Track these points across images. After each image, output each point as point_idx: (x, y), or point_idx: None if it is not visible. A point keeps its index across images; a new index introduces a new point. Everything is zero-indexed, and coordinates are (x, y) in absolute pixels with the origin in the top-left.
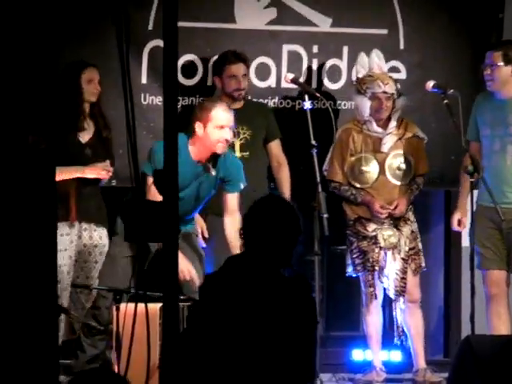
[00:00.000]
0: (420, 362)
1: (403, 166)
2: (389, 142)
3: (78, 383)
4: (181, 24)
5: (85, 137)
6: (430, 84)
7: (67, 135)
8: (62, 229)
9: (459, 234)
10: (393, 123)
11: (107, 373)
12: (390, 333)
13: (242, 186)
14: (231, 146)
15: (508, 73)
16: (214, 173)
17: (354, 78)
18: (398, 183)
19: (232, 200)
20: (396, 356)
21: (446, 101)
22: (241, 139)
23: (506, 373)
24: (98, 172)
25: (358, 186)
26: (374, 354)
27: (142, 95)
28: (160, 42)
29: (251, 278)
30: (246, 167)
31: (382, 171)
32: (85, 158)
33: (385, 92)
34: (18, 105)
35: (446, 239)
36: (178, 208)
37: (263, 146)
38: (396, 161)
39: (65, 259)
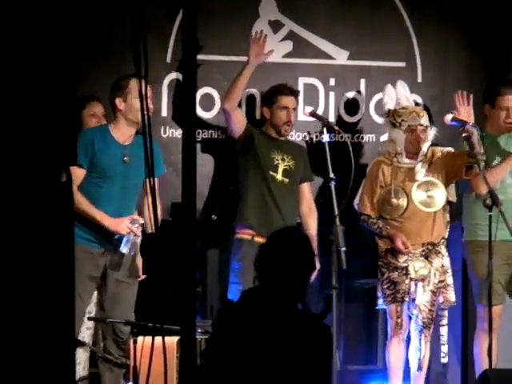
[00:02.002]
0: None
1: (433, 193)
2: (422, 170)
3: None
4: (198, 57)
5: None
6: (449, 117)
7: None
8: None
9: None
10: (422, 152)
11: None
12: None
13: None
14: (275, 168)
15: None
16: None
17: (372, 110)
18: (427, 210)
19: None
20: None
21: (464, 134)
22: (285, 165)
23: None
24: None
25: (387, 217)
26: None
27: (163, 128)
28: (179, 75)
29: (266, 312)
30: (284, 192)
31: (411, 202)
32: None
33: (421, 124)
34: (38, 137)
35: (463, 272)
36: (195, 246)
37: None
38: (423, 189)
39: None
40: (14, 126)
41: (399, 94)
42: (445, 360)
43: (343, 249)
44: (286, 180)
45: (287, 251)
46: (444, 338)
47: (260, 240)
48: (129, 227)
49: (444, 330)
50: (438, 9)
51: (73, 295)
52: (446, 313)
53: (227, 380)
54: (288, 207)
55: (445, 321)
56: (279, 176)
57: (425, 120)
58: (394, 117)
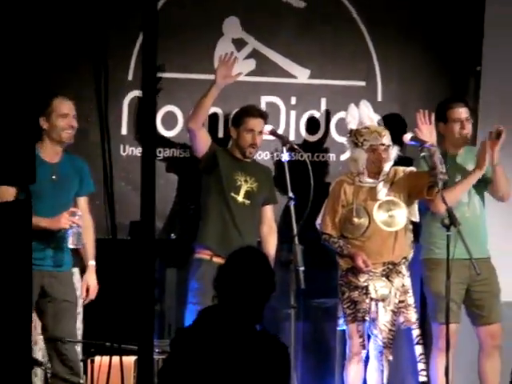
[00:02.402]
0: None
1: (394, 213)
2: (383, 189)
3: None
4: (160, 75)
5: None
6: (408, 136)
7: None
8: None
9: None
10: (384, 172)
11: None
12: None
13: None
14: (237, 189)
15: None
16: None
17: (332, 129)
18: (389, 229)
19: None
20: None
21: (423, 153)
22: (248, 187)
23: None
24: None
25: (349, 236)
26: None
27: (122, 146)
28: (139, 93)
29: (224, 331)
30: (245, 213)
31: (372, 221)
32: None
33: (382, 144)
34: None
35: (420, 291)
36: (154, 264)
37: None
38: (385, 208)
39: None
40: None
41: (362, 114)
42: (423, 378)
43: (302, 268)
44: (247, 202)
45: (246, 271)
46: (422, 356)
47: (219, 260)
48: (70, 219)
49: (420, 349)
50: (399, 28)
51: (30, 315)
52: (418, 331)
53: None
54: (247, 228)
55: (420, 340)
56: (240, 198)
57: (386, 139)
58: (356, 136)
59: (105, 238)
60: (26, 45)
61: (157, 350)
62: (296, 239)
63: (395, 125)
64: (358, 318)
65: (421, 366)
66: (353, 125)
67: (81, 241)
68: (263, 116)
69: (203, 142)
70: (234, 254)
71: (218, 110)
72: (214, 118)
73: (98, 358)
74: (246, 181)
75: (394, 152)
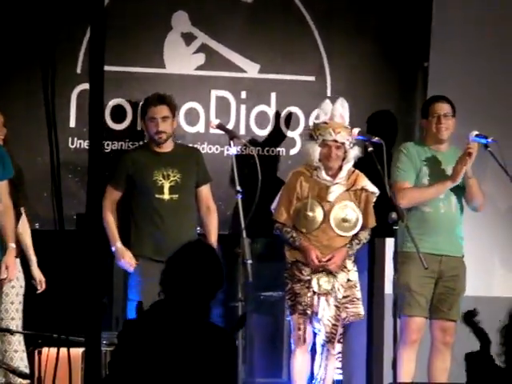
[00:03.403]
0: None
1: (349, 218)
2: (335, 191)
3: None
4: (109, 68)
5: None
6: (356, 131)
7: None
8: None
9: (382, 280)
10: (343, 173)
11: None
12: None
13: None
14: (160, 189)
15: (453, 125)
16: None
17: (311, 123)
18: (342, 234)
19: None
20: None
21: (370, 148)
22: (170, 181)
23: None
24: None
25: (302, 230)
26: None
27: (70, 139)
28: (88, 86)
29: (171, 324)
30: (174, 210)
31: (326, 219)
32: None
33: (335, 140)
34: None
35: (369, 286)
36: (100, 257)
37: (193, 189)
38: (342, 212)
39: None
40: None
41: (335, 111)
42: (339, 377)
43: (249, 261)
44: (175, 196)
45: (194, 266)
46: (339, 354)
47: (157, 258)
48: None
49: (339, 347)
50: (348, 24)
51: None
52: (341, 329)
53: None
54: (182, 222)
55: (341, 338)
56: (166, 196)
57: (341, 137)
58: (314, 130)
59: (52, 229)
60: None
61: (104, 342)
62: (244, 232)
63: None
64: (299, 310)
65: (337, 364)
66: (321, 119)
67: None
68: (165, 101)
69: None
70: (183, 248)
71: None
72: None
73: (45, 350)
74: (167, 176)
75: (353, 153)
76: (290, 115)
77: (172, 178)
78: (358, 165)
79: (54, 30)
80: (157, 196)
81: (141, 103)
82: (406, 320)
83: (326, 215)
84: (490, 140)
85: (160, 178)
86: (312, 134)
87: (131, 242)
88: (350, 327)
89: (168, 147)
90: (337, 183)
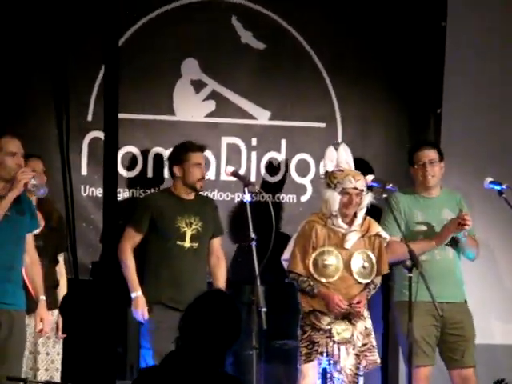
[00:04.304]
0: None
1: (367, 265)
2: (352, 238)
3: None
4: (120, 116)
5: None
6: (370, 178)
7: None
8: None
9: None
10: (358, 220)
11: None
12: None
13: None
14: (182, 236)
15: (441, 170)
16: None
17: (322, 172)
18: (362, 281)
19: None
20: None
21: (384, 195)
22: (192, 229)
23: None
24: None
25: (321, 279)
26: None
27: (82, 187)
28: (99, 133)
29: (185, 373)
30: (193, 258)
31: (346, 267)
32: (37, 248)
33: (355, 188)
34: None
35: (384, 333)
36: (116, 306)
37: (209, 239)
38: (360, 259)
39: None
40: None
41: (340, 157)
42: None
43: (264, 309)
44: (195, 245)
45: (214, 316)
46: None
47: (173, 306)
48: (25, 171)
49: None
50: (359, 70)
51: None
52: (361, 378)
53: None
54: (198, 271)
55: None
56: (187, 243)
57: (361, 184)
58: (330, 178)
59: (68, 277)
60: None
61: None
62: (258, 280)
63: (355, 166)
64: (316, 358)
65: None
66: (329, 167)
67: (44, 186)
68: (203, 149)
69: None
70: (201, 297)
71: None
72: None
73: None
74: (190, 224)
75: (368, 199)
76: (300, 162)
77: (194, 226)
78: (372, 212)
79: (65, 79)
80: (178, 243)
81: (152, 151)
82: (414, 370)
83: (347, 263)
84: (504, 186)
85: (183, 225)
86: (329, 182)
87: (146, 287)
88: (365, 375)
89: (192, 195)
90: (353, 230)
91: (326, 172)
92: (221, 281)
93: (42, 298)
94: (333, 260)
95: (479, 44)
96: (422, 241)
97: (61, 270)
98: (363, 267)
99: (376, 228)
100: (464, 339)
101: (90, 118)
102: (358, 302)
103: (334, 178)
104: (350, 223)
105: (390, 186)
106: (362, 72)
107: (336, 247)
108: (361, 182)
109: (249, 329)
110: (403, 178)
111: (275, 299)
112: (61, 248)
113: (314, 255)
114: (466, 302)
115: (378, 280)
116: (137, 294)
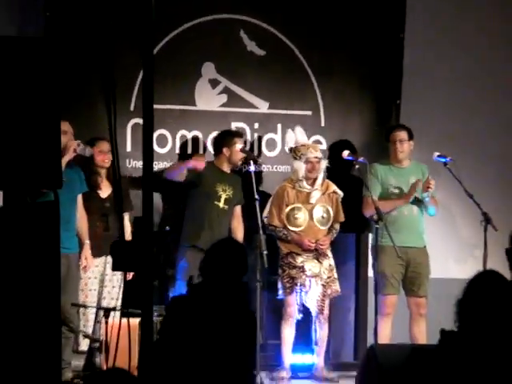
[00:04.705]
0: (320, 362)
1: (325, 215)
2: (315, 195)
3: (93, 382)
4: (155, 106)
5: (104, 193)
6: (345, 153)
7: (90, 192)
8: (95, 262)
9: (366, 267)
10: (319, 181)
11: (122, 373)
12: (302, 342)
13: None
14: (219, 198)
15: (410, 147)
16: None
17: (286, 149)
18: (322, 228)
19: None
20: (306, 359)
21: (357, 166)
22: (226, 195)
23: (403, 377)
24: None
25: (292, 229)
26: (285, 357)
27: (127, 160)
28: (139, 120)
29: (207, 300)
30: (223, 216)
31: (310, 218)
32: (105, 209)
33: (316, 157)
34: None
35: (356, 271)
36: (153, 250)
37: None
38: (320, 210)
39: (94, 285)
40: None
41: (297, 137)
42: None
43: (265, 252)
44: (226, 207)
45: (226, 257)
46: None
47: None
48: (72, 144)
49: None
50: (338, 70)
51: (58, 292)
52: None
53: (177, 351)
54: (224, 226)
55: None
56: (221, 204)
57: (319, 154)
58: (295, 152)
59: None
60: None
61: (155, 314)
62: (260, 230)
63: (335, 145)
64: (296, 290)
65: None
66: (290, 145)
67: (88, 148)
68: (243, 136)
69: (177, 179)
70: (217, 244)
71: (199, 134)
72: (196, 139)
73: (111, 320)
74: (224, 190)
75: (324, 164)
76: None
77: (227, 193)
78: (347, 179)
79: (113, 78)
80: (215, 202)
81: (180, 132)
82: (382, 298)
83: (310, 215)
84: (448, 159)
85: (220, 190)
86: (294, 155)
87: (185, 233)
88: (341, 303)
89: (229, 169)
90: (316, 189)
91: (291, 148)
92: (239, 236)
93: (87, 242)
94: (301, 214)
95: (434, 49)
96: (395, 199)
97: (126, 225)
98: (322, 217)
99: (333, 187)
100: (421, 275)
101: (132, 108)
102: (322, 242)
103: (299, 151)
104: (313, 184)
105: (361, 159)
106: (341, 72)
107: (303, 203)
108: (319, 152)
109: (254, 267)
110: (372, 152)
111: (272, 244)
112: (126, 208)
113: (286, 211)
114: (425, 247)
115: (337, 226)
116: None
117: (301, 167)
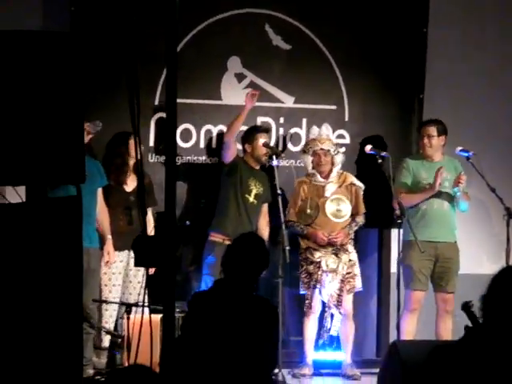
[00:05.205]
0: (347, 358)
1: (341, 208)
2: (330, 188)
3: (115, 379)
4: (179, 100)
5: (129, 187)
6: (368, 147)
7: (115, 187)
8: (119, 256)
9: (388, 261)
10: (333, 174)
11: (144, 370)
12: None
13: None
14: (250, 192)
15: (440, 142)
16: None
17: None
18: (337, 221)
19: None
20: (329, 355)
21: (380, 161)
22: (257, 190)
23: (425, 373)
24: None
25: (309, 222)
26: (307, 353)
27: (149, 155)
28: (163, 114)
29: (228, 296)
30: (252, 210)
31: (323, 212)
32: (128, 202)
33: (322, 149)
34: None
35: (378, 266)
36: (175, 245)
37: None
38: (334, 204)
39: (118, 280)
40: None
41: (322, 134)
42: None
43: (287, 247)
44: (255, 202)
45: (247, 251)
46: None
47: (228, 243)
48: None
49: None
50: (362, 65)
51: (80, 288)
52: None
53: (199, 348)
54: (253, 220)
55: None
56: (251, 198)
57: (326, 145)
58: (305, 146)
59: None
60: (82, 75)
61: (177, 310)
62: (283, 225)
63: (358, 139)
64: (312, 285)
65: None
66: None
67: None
68: (268, 131)
69: (232, 153)
70: (239, 239)
71: (224, 128)
72: (221, 134)
73: (133, 316)
74: (255, 186)
75: (339, 158)
76: None
77: (258, 189)
78: (369, 172)
79: (137, 72)
80: (246, 196)
81: (204, 127)
82: (409, 293)
83: (322, 209)
84: (471, 153)
85: (252, 185)
86: (304, 149)
87: (218, 220)
88: (363, 299)
89: (258, 166)
90: (330, 182)
91: (305, 143)
92: (265, 235)
93: (109, 237)
94: (313, 208)
95: (458, 44)
96: (422, 191)
97: (149, 219)
98: (337, 210)
99: (351, 179)
100: (450, 271)
101: (156, 102)
102: (336, 235)
103: (307, 144)
104: (327, 177)
105: (384, 154)
106: (364, 67)
107: (318, 197)
108: (326, 144)
109: (277, 262)
110: (394, 146)
111: (295, 239)
112: (149, 203)
113: (300, 206)
114: (455, 242)
115: (360, 219)
116: None
117: (308, 160)
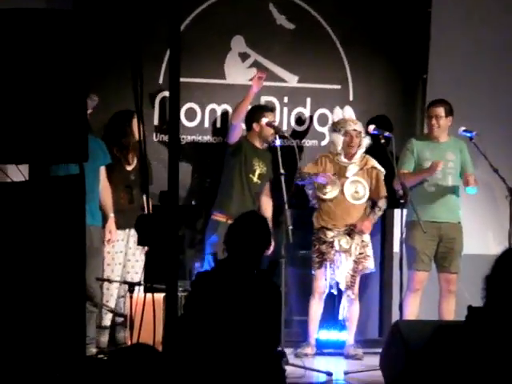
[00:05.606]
0: (350, 339)
1: (359, 190)
2: (352, 169)
3: (118, 357)
4: (184, 79)
5: (130, 166)
6: (371, 127)
7: (116, 165)
8: (120, 235)
9: (391, 242)
10: (357, 156)
11: (147, 348)
12: (329, 318)
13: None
14: (254, 172)
15: (447, 123)
16: None
17: (329, 124)
18: (354, 202)
19: None
20: (332, 335)
21: (382, 140)
22: (261, 170)
23: (428, 353)
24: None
25: (323, 197)
26: (311, 333)
27: (154, 134)
28: (167, 93)
29: (231, 275)
30: (256, 189)
31: (341, 191)
32: (129, 181)
33: (355, 130)
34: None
35: (381, 246)
36: (178, 224)
37: None
38: (353, 185)
39: (119, 259)
40: (30, 129)
41: (345, 113)
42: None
43: (290, 227)
44: (259, 182)
45: (249, 230)
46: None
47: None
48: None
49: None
50: (366, 45)
51: (84, 262)
52: (358, 278)
53: (202, 326)
54: (256, 200)
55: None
56: (255, 178)
57: (359, 126)
58: (335, 125)
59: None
60: (85, 53)
61: (180, 289)
62: (286, 205)
63: (362, 119)
64: (324, 265)
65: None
66: (336, 119)
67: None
68: (273, 110)
69: (238, 134)
70: (241, 217)
71: (228, 107)
72: (226, 113)
73: (135, 295)
74: (259, 166)
75: (366, 141)
76: (321, 115)
77: (261, 169)
78: (373, 152)
79: (141, 51)
80: (250, 176)
81: (209, 106)
82: (412, 273)
83: (342, 189)
84: (473, 134)
85: (256, 165)
86: (334, 128)
87: (221, 200)
88: (365, 279)
89: (262, 145)
90: (353, 163)
91: (333, 122)
92: (268, 212)
93: (111, 215)
94: (334, 186)
95: (462, 23)
96: (420, 171)
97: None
98: (356, 191)
99: (372, 162)
100: (453, 251)
101: (160, 81)
102: (361, 230)
103: (338, 124)
104: (350, 158)
105: (387, 134)
106: (368, 46)
107: (339, 176)
108: (358, 125)
109: (280, 242)
110: (397, 126)
111: (299, 219)
112: (150, 181)
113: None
114: (459, 222)
115: (382, 203)
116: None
117: (339, 140)
